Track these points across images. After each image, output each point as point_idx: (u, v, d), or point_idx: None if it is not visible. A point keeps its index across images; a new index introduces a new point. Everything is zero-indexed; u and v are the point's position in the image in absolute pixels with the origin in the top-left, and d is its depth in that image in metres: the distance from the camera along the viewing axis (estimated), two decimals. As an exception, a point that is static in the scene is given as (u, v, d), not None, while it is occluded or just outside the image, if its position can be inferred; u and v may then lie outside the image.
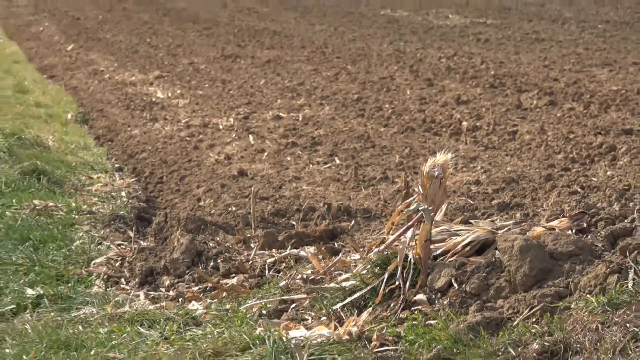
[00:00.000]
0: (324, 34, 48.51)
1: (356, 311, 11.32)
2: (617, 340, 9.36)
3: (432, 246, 11.59)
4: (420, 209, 11.85)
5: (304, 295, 12.16)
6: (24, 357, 11.61)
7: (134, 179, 22.73)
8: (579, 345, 9.54)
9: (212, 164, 23.01)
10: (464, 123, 25.12)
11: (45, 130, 28.60)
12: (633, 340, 9.32)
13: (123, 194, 21.04)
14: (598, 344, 9.41)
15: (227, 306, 12.61)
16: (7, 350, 11.85)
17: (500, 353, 9.74)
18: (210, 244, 15.15)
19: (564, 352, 9.55)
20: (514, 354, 9.64)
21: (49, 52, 51.05)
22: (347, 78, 34.20)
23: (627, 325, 9.53)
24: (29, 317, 12.99)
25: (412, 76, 33.82)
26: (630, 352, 9.19)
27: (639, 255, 10.56)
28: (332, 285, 12.12)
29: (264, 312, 12.10)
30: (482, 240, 11.67)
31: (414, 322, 10.63)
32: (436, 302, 11.07)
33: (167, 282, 14.14)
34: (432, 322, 10.53)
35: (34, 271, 15.12)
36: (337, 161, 22.13)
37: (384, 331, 10.65)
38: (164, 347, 11.25)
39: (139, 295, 13.76)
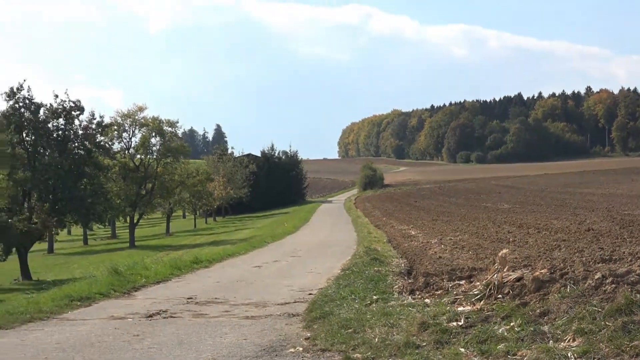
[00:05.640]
0: (465, 211, 49.65)
1: (479, 301, 12.10)
2: (564, 307, 10.19)
3: (502, 279, 12.28)
4: (498, 267, 13.00)
5: (462, 296, 12.93)
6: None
7: (405, 260, 24.08)
8: (552, 309, 10.35)
9: (430, 255, 24.73)
10: (511, 239, 26.84)
11: (377, 245, 30.53)
12: (570, 306, 10.11)
13: (402, 264, 22.36)
14: (558, 309, 10.22)
15: (437, 300, 13.37)
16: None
17: (525, 312, 10.44)
18: (425, 280, 16.00)
19: (547, 312, 10.24)
20: (531, 313, 10.36)
21: (377, 220, 53.70)
22: (471, 225, 36.60)
23: (567, 304, 10.27)
24: (375, 305, 13.90)
25: (493, 224, 35.82)
26: (568, 311, 9.97)
27: (571, 280, 11.31)
28: (470, 292, 12.86)
29: (447, 302, 12.82)
30: (519, 276, 12.16)
31: (497, 303, 11.49)
32: (504, 297, 11.77)
33: (417, 293, 14.94)
34: (504, 303, 11.31)
35: (375, 290, 16.13)
36: (470, 252, 23.71)
37: (487, 307, 11.51)
38: (417, 314, 11.98)
39: (408, 298, 14.62)
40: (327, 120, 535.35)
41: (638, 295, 10.03)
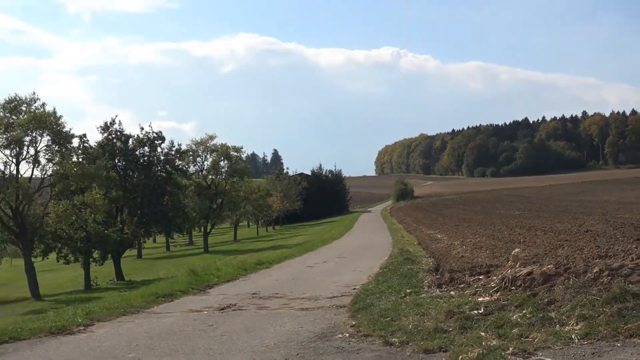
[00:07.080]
0: (482, 218, 48.05)
1: (496, 292, 11.76)
2: (568, 296, 10.04)
3: (515, 274, 12.02)
4: (511, 263, 12.86)
5: (481, 289, 12.54)
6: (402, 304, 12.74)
7: (433, 259, 22.76)
8: (557, 298, 10.17)
9: (454, 254, 23.65)
10: (521, 240, 25.79)
11: (409, 247, 29.58)
12: (573, 295, 9.97)
13: (431, 263, 21.07)
14: (563, 298, 10.05)
15: (461, 292, 13.07)
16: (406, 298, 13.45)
17: (535, 301, 10.21)
18: (450, 276, 15.56)
19: (554, 301, 10.09)
20: (540, 302, 10.16)
21: (409, 226, 51.88)
22: (488, 229, 35.02)
23: (571, 293, 10.14)
24: (408, 297, 13.51)
25: (506, 228, 34.27)
26: (571, 299, 9.82)
27: (573, 273, 11.07)
28: (488, 285, 12.48)
29: (469, 294, 12.46)
30: (529, 271, 11.85)
31: (511, 294, 11.20)
32: (517, 289, 11.50)
33: (444, 286, 14.48)
34: (517, 294, 11.07)
35: (408, 285, 15.51)
36: (487, 252, 22.75)
37: (503, 297, 11.22)
38: (444, 304, 11.76)
39: (436, 290, 14.11)
40: (365, 143, 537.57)
41: (630, 285, 9.92)
